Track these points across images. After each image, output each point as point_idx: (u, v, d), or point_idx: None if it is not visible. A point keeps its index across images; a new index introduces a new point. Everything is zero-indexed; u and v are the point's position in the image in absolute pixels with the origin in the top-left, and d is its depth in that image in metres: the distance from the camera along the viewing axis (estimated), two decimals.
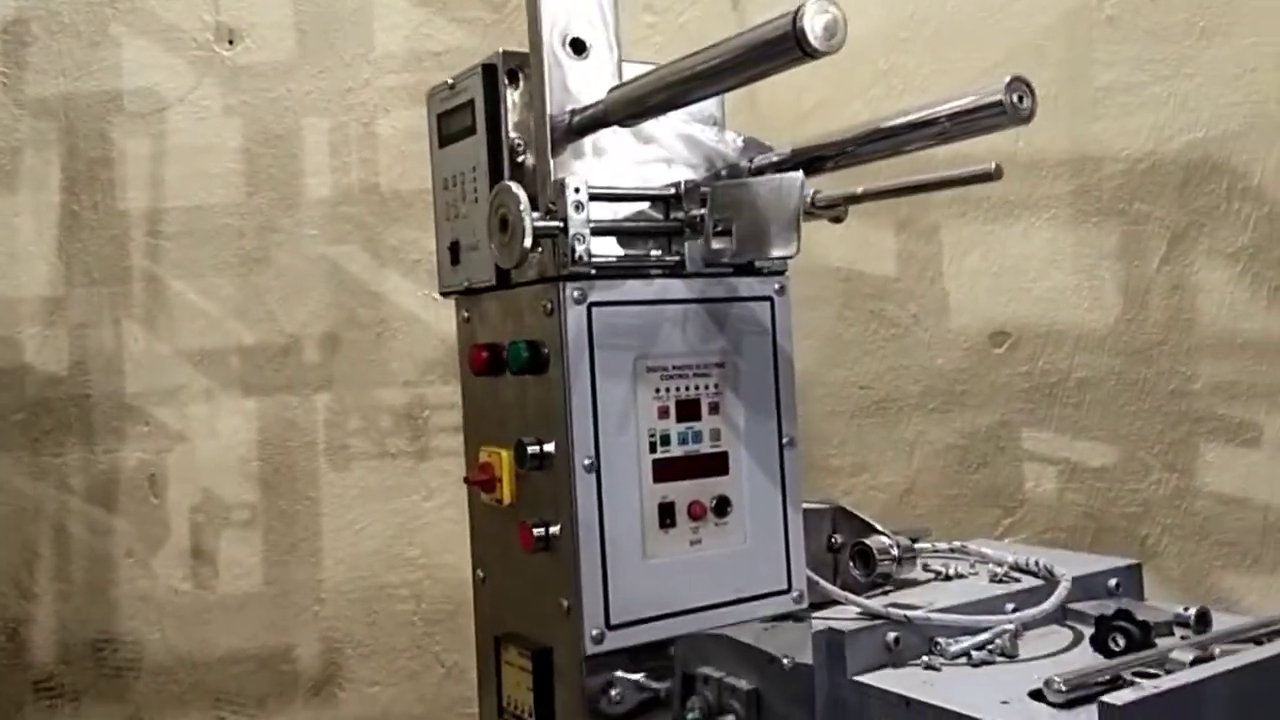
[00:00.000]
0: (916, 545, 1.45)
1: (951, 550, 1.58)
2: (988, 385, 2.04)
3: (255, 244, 2.07)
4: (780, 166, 1.16)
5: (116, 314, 2.05)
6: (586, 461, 1.09)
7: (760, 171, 1.18)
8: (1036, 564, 1.48)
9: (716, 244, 1.02)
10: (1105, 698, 0.96)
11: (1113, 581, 1.43)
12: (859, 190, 1.06)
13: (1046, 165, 2.02)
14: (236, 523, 2.10)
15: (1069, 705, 1.10)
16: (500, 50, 1.17)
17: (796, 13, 0.82)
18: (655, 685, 1.14)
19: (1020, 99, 0.91)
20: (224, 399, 2.07)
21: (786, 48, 0.82)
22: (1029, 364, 2.04)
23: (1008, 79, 0.92)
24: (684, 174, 1.17)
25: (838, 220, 1.08)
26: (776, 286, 1.20)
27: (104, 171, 2.04)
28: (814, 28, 0.81)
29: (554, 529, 1.11)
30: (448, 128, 1.24)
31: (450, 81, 1.23)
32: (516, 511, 1.15)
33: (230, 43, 2.06)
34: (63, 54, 2.03)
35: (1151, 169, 1.98)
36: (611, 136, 1.13)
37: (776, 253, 1.00)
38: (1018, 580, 1.45)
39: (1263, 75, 1.89)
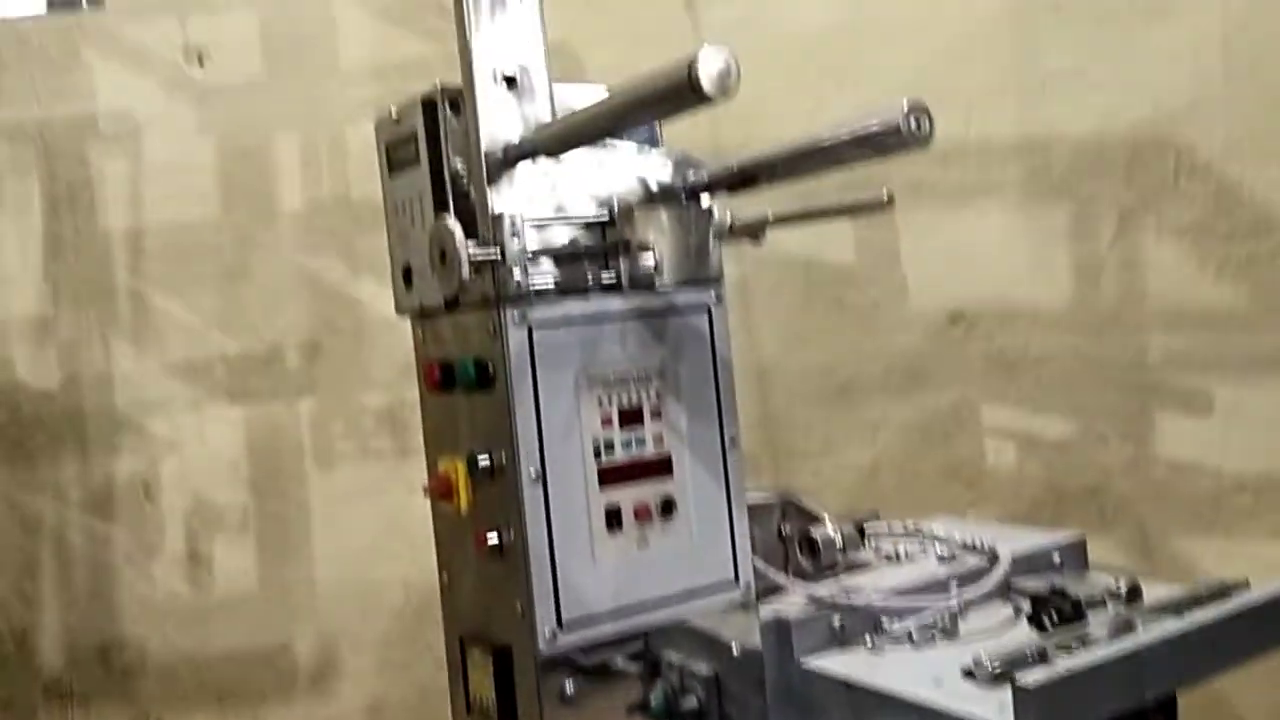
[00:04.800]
0: (867, 527, 1.53)
1: (905, 531, 1.66)
2: (948, 364, 2.11)
3: (234, 257, 2.14)
4: (711, 186, 1.23)
5: (104, 331, 2.13)
6: (533, 473, 1.16)
7: (693, 191, 1.24)
8: (982, 543, 1.55)
9: (641, 268, 1.08)
10: (1019, 679, 1.03)
11: (1056, 557, 1.50)
12: (770, 216, 1.12)
13: (996, 149, 2.07)
14: (230, 526, 2.19)
15: (996, 680, 1.17)
16: (439, 84, 1.23)
17: (691, 61, 0.87)
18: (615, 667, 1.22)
19: (918, 124, 0.97)
20: (211, 408, 2.15)
21: (683, 94, 0.88)
22: (986, 342, 2.10)
23: (906, 105, 0.97)
24: (621, 193, 1.23)
25: (756, 240, 1.14)
26: (713, 296, 1.26)
27: (84, 193, 2.11)
28: (708, 76, 0.86)
29: (507, 535, 1.18)
30: (395, 157, 1.30)
31: (394, 114, 1.29)
32: (473, 519, 1.22)
33: (200, 63, 2.12)
34: (35, 79, 2.09)
35: (1099, 150, 2.03)
36: (548, 160, 1.19)
37: (696, 276, 1.07)
38: (962, 560, 1.52)
39: (1204, 57, 1.94)
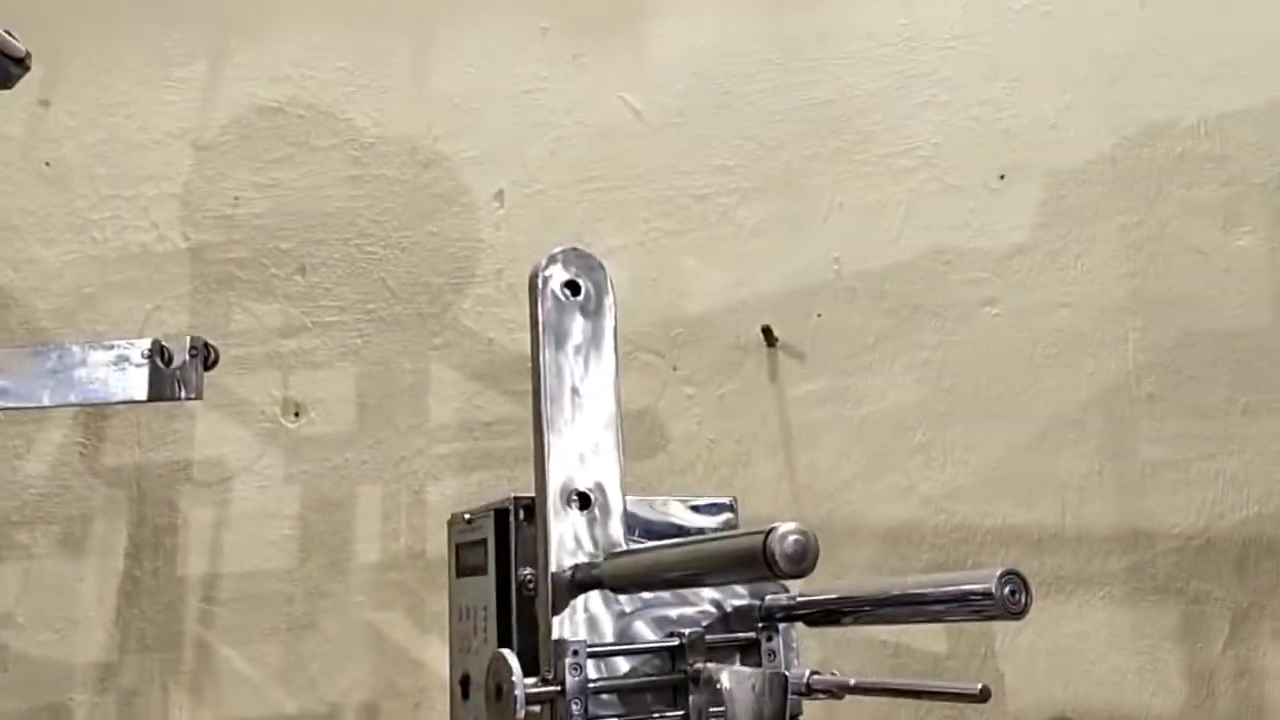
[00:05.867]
0: None
1: None
2: None
3: (303, 610, 2.11)
4: (790, 615, 1.17)
5: (165, 680, 2.08)
6: None
7: (769, 615, 1.18)
8: None
9: None
10: None
11: None
12: (851, 682, 1.04)
13: (1097, 540, 1.98)
14: None
15: None
16: (513, 495, 1.22)
17: (767, 535, 0.83)
18: None
19: (1013, 593, 0.90)
20: None
21: (756, 568, 0.83)
22: None
23: (1000, 572, 0.91)
24: (692, 615, 1.17)
25: (836, 697, 1.06)
26: None
27: (168, 538, 2.13)
28: (783, 554, 0.82)
29: None
30: (464, 560, 1.28)
31: (468, 516, 1.27)
32: None
33: (295, 415, 2.18)
34: (140, 427, 2.17)
35: (1207, 546, 1.93)
36: None
37: None
38: None
39: None
